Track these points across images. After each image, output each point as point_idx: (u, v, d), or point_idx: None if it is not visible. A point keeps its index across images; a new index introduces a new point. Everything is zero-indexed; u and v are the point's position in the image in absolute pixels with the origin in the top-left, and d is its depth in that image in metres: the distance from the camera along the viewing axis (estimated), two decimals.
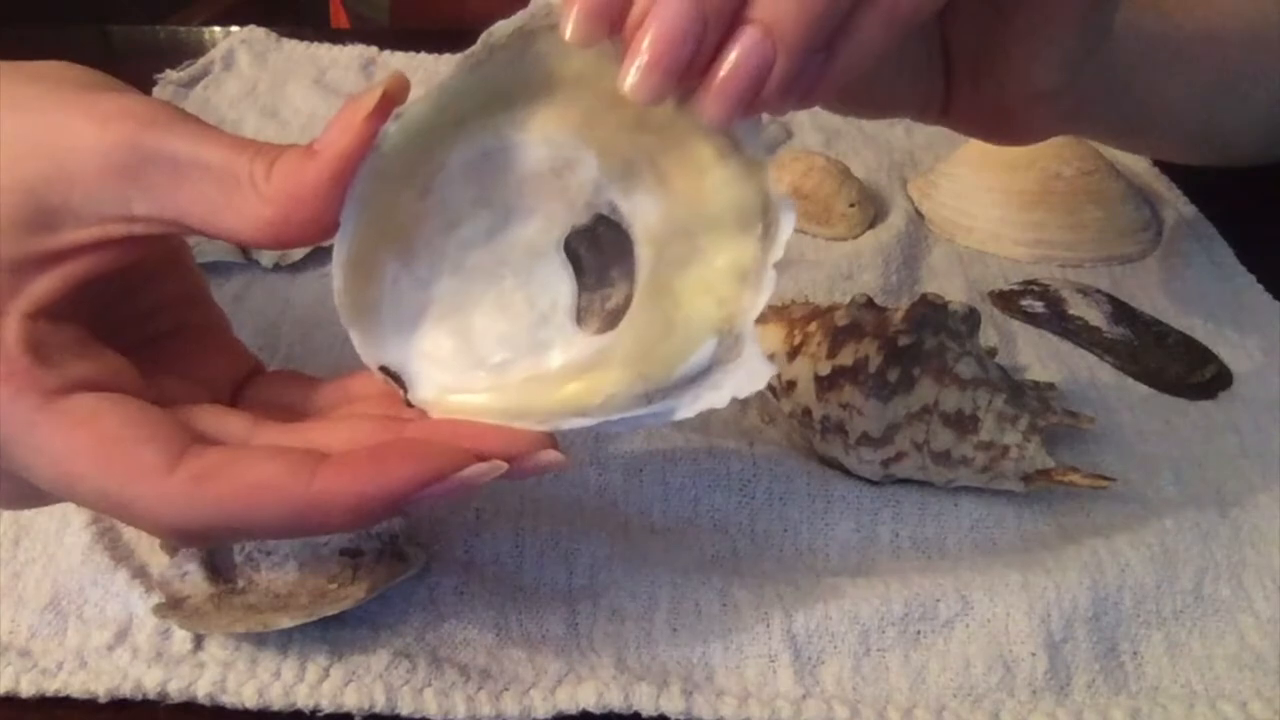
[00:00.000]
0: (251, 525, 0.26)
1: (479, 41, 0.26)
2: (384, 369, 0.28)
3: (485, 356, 0.29)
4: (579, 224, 0.29)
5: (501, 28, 0.26)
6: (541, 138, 0.28)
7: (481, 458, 0.26)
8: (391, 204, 0.27)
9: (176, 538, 0.27)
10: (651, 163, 0.28)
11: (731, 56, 0.24)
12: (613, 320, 0.29)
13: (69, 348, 0.27)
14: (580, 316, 0.29)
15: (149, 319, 0.31)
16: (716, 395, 0.27)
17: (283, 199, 0.26)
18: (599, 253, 0.29)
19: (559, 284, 0.29)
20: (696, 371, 0.27)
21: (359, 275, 0.27)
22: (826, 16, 0.25)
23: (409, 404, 0.28)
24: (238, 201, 0.26)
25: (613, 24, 0.24)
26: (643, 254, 0.29)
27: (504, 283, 0.29)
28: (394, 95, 0.26)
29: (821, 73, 0.26)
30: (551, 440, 0.27)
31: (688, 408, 0.27)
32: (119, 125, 0.26)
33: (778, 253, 0.27)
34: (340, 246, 0.27)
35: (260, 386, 0.31)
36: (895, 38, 0.26)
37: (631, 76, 0.24)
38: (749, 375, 0.27)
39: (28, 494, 0.28)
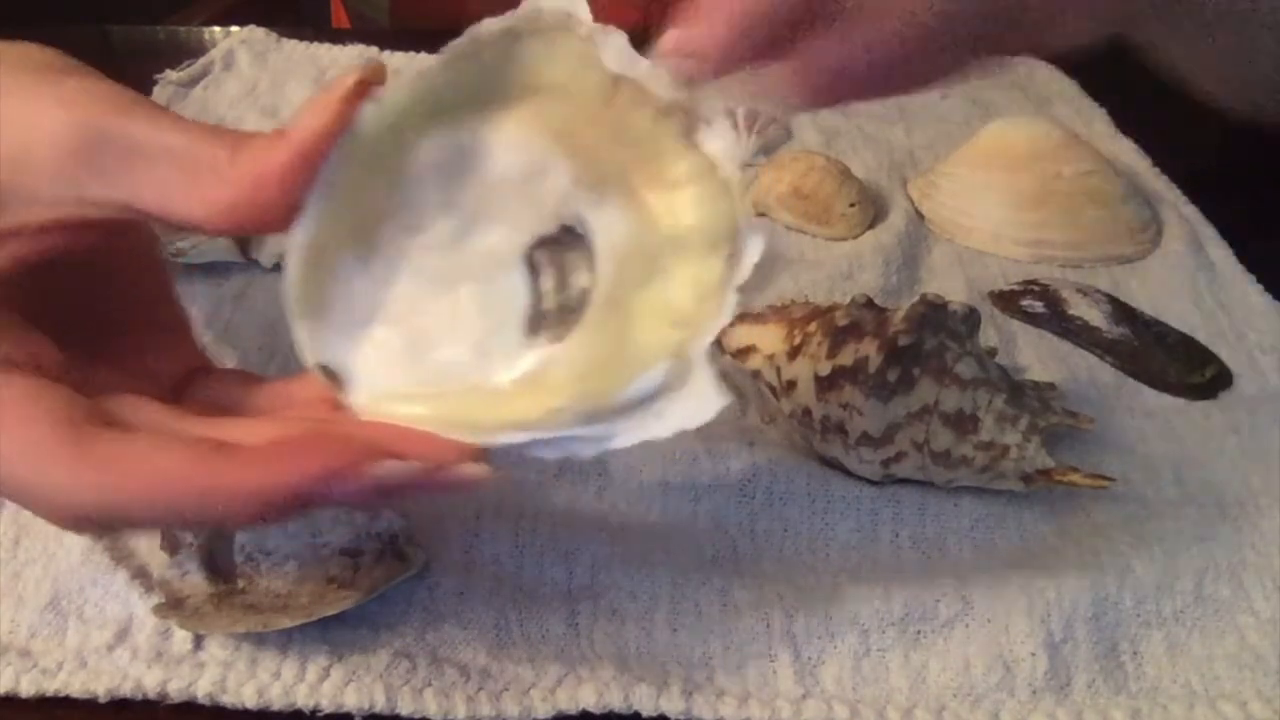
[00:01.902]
0: (153, 512, 0.25)
1: (465, 35, 0.26)
2: (323, 367, 0.27)
3: (431, 364, 0.28)
4: (544, 234, 0.28)
5: (489, 25, 0.26)
6: (517, 142, 0.28)
7: (398, 459, 0.25)
8: (357, 196, 0.27)
9: (74, 524, 0.27)
10: (624, 177, 0.28)
11: None
12: (566, 335, 0.28)
13: None
14: (533, 329, 0.28)
15: (104, 308, 0.31)
16: (660, 425, 0.26)
17: (246, 181, 0.25)
18: (560, 266, 0.28)
19: (516, 295, 0.28)
20: (643, 395, 0.26)
21: (315, 267, 0.27)
22: None
23: (343, 406, 0.28)
24: (199, 184, 0.25)
25: None
26: (604, 269, 0.28)
27: (461, 290, 0.28)
28: (371, 80, 0.26)
29: None
30: (482, 453, 0.26)
31: (628, 434, 0.26)
32: (80, 108, 0.25)
33: (741, 276, 0.26)
34: (301, 232, 0.26)
35: (204, 384, 0.31)
36: None
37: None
38: (698, 405, 0.26)
39: None
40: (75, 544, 0.35)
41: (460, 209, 0.28)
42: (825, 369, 0.38)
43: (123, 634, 0.33)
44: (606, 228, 0.28)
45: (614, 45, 0.27)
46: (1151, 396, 0.45)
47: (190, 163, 0.25)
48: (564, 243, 0.28)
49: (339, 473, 0.25)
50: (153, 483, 0.25)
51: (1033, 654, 0.34)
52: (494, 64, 0.27)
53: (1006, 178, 0.55)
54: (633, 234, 0.28)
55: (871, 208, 0.56)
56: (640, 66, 0.27)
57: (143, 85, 0.65)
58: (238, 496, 0.25)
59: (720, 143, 0.27)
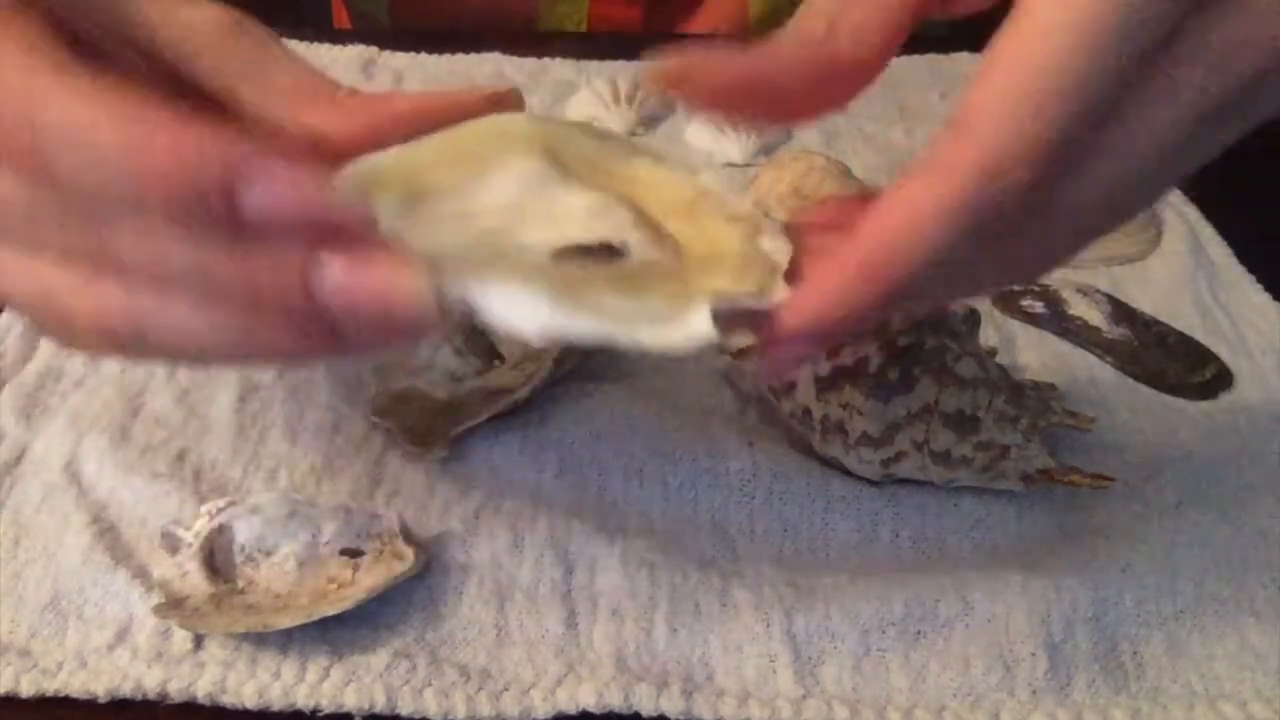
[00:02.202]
0: (60, 126, 0.22)
1: (610, 130, 0.27)
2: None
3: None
4: (582, 242, 0.28)
5: (627, 136, 0.28)
6: (596, 198, 0.29)
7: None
8: (435, 167, 0.28)
9: None
10: (680, 244, 0.29)
11: None
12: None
13: None
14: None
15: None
16: (629, 333, 0.25)
17: (353, 106, 0.27)
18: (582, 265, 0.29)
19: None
20: (626, 311, 0.26)
21: (363, 182, 0.27)
22: None
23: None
24: (304, 100, 0.27)
25: None
26: (631, 265, 0.29)
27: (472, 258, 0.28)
28: (504, 102, 0.29)
29: None
30: (426, 283, 0.24)
31: (588, 326, 0.25)
32: (238, 15, 0.28)
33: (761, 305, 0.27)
34: (382, 155, 0.28)
35: None
36: None
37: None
38: (678, 332, 0.25)
39: None
40: (75, 544, 0.35)
41: (516, 216, 0.29)
42: (825, 369, 0.38)
43: (123, 634, 0.33)
44: (645, 254, 0.29)
45: (713, 170, 0.32)
46: (1151, 396, 0.45)
47: (310, 83, 0.28)
48: (598, 252, 0.29)
49: (265, 167, 0.22)
50: (77, 99, 0.22)
51: (1033, 654, 0.34)
52: (610, 152, 0.30)
53: None
54: (669, 262, 0.29)
55: None
56: (729, 189, 0.31)
57: None
58: (150, 146, 0.22)
59: (778, 244, 0.29)
